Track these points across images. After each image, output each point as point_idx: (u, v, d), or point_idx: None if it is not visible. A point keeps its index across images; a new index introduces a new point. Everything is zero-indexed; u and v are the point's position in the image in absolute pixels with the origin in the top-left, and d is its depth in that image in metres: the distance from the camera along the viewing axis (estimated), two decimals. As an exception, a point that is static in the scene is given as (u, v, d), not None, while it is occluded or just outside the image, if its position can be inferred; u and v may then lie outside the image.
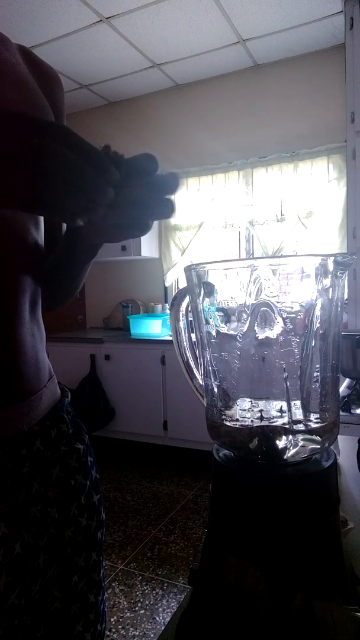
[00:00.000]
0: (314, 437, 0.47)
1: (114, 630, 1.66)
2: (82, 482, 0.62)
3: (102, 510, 0.66)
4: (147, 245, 3.44)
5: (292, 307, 0.45)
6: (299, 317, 0.45)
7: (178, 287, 3.64)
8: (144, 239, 3.39)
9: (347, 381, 1.58)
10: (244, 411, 0.49)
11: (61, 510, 0.58)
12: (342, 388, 1.56)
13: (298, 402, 0.47)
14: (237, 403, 0.50)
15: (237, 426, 0.48)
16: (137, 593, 1.86)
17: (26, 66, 0.61)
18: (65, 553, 0.58)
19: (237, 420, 0.49)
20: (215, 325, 0.49)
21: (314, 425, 0.47)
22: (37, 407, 0.58)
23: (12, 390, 0.54)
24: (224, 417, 0.50)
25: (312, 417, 0.47)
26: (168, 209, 0.43)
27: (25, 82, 0.58)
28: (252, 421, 0.48)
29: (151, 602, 1.80)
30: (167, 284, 3.59)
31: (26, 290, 0.56)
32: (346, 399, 1.47)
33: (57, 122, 0.63)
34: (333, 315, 0.47)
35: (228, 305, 0.48)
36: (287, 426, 0.46)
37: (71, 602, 0.58)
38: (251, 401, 0.49)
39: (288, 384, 0.46)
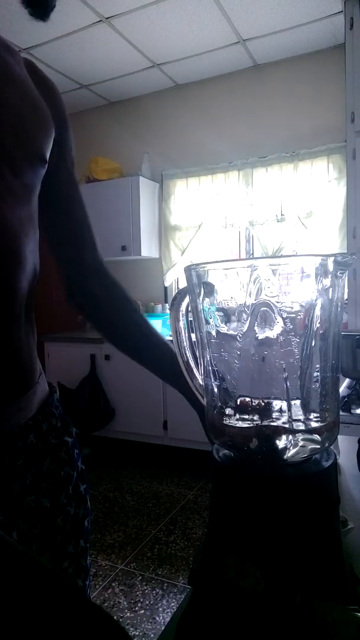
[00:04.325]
0: (314, 437, 0.47)
1: (114, 630, 1.66)
2: (69, 473, 0.65)
3: (88, 499, 0.69)
4: (147, 245, 3.44)
5: (292, 307, 0.45)
6: (299, 317, 0.45)
7: (178, 287, 3.64)
8: (144, 239, 3.39)
9: (347, 381, 1.58)
10: (244, 411, 0.49)
11: (52, 499, 0.61)
12: (342, 388, 1.56)
13: (298, 402, 0.47)
14: (237, 403, 0.49)
15: (237, 426, 0.48)
16: (137, 593, 1.86)
17: (30, 77, 0.64)
18: (55, 540, 0.61)
19: (237, 420, 0.49)
20: (215, 325, 0.49)
21: (314, 425, 0.47)
22: (32, 402, 0.61)
23: (12, 386, 0.57)
24: (224, 417, 0.50)
25: (312, 417, 0.47)
26: None
27: (32, 98, 0.61)
28: (252, 421, 0.48)
29: (151, 602, 1.80)
30: (167, 284, 3.59)
31: (24, 293, 0.58)
32: (346, 399, 1.47)
33: (64, 136, 0.69)
34: (333, 315, 0.47)
35: (228, 305, 0.48)
36: (287, 426, 0.46)
37: None
38: (251, 401, 0.49)
39: (288, 384, 0.46)
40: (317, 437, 0.47)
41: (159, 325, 3.23)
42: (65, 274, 0.75)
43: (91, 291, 0.74)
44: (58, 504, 0.62)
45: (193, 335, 0.56)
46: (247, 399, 0.48)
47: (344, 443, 0.98)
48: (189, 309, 0.56)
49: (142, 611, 1.76)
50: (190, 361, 0.60)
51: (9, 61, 0.59)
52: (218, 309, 0.48)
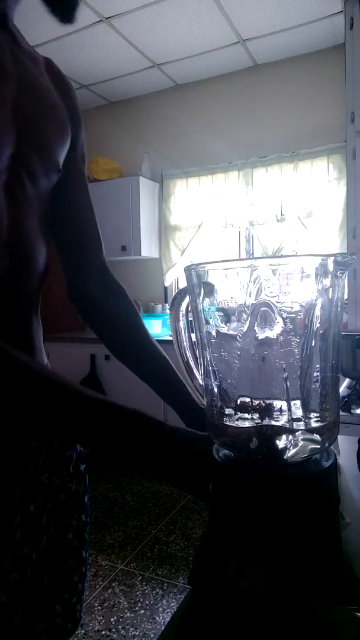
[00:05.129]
0: (314, 436, 0.47)
1: (114, 630, 1.66)
2: (70, 454, 0.72)
3: (87, 478, 0.76)
4: (147, 245, 3.44)
5: (292, 307, 0.45)
6: (299, 317, 0.45)
7: (178, 287, 3.64)
8: (144, 239, 3.39)
9: (347, 381, 1.58)
10: (244, 411, 0.49)
11: (59, 478, 0.69)
12: (342, 388, 1.56)
13: (298, 402, 0.47)
14: (237, 403, 0.49)
15: (237, 426, 0.48)
16: (137, 593, 1.86)
17: (50, 80, 0.68)
18: (60, 514, 0.68)
19: (237, 420, 0.49)
20: (215, 325, 0.49)
21: (314, 425, 0.47)
22: None
23: None
24: (224, 417, 0.50)
25: (312, 417, 0.47)
26: None
27: (54, 106, 0.66)
28: (252, 421, 0.48)
29: (151, 602, 1.80)
30: (167, 284, 3.59)
31: (35, 293, 0.64)
32: (346, 399, 1.47)
33: (77, 134, 0.74)
34: (333, 315, 0.47)
35: (228, 305, 0.48)
36: (287, 426, 0.46)
37: (68, 557, 0.69)
38: (251, 401, 0.49)
39: (288, 384, 0.46)
40: (317, 437, 0.47)
41: (159, 325, 3.22)
42: (68, 274, 0.77)
43: (91, 293, 0.76)
44: (61, 481, 0.69)
45: (193, 335, 0.56)
46: (247, 399, 0.48)
47: (344, 443, 0.98)
48: (189, 309, 0.56)
49: (142, 611, 1.76)
50: (190, 361, 0.60)
51: (33, 72, 0.63)
52: (218, 309, 0.48)
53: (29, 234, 0.60)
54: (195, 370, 0.60)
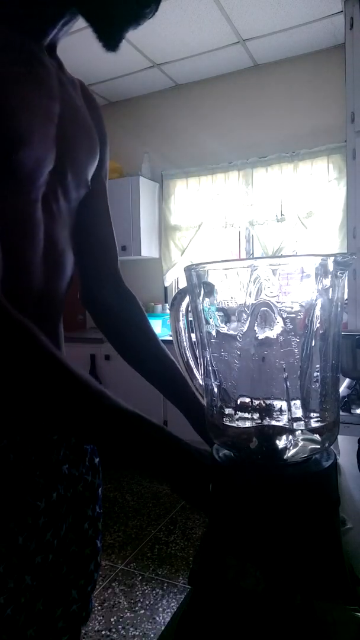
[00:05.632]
0: (314, 436, 0.47)
1: (114, 630, 1.66)
2: (86, 447, 0.75)
3: (100, 471, 0.79)
4: (147, 245, 3.44)
5: (292, 307, 0.45)
6: (299, 317, 0.45)
7: (178, 287, 3.64)
8: (144, 239, 3.39)
9: (347, 381, 1.58)
10: (244, 411, 0.49)
11: (77, 469, 0.72)
12: (342, 388, 1.56)
13: (298, 402, 0.47)
14: (237, 403, 0.49)
15: (237, 426, 0.48)
16: (137, 593, 1.86)
17: (83, 101, 0.74)
18: (77, 504, 0.71)
19: (237, 420, 0.49)
20: (215, 325, 0.49)
21: (314, 425, 0.47)
22: None
23: None
24: (224, 417, 0.50)
25: (312, 417, 0.47)
26: None
27: (88, 127, 0.71)
28: (252, 421, 0.48)
29: (151, 602, 1.80)
30: (167, 284, 3.59)
31: (64, 294, 0.69)
32: (346, 399, 1.47)
33: (103, 151, 0.78)
34: (333, 315, 0.47)
35: (228, 305, 0.48)
36: (287, 426, 0.46)
37: (85, 546, 0.72)
38: (251, 401, 0.49)
39: (288, 383, 0.46)
40: (317, 437, 0.47)
41: (159, 325, 3.22)
42: (83, 280, 0.81)
43: (104, 298, 0.81)
44: (78, 473, 0.72)
45: (193, 335, 0.56)
46: (247, 399, 0.48)
47: (344, 443, 0.98)
48: (189, 309, 0.56)
49: (142, 611, 1.76)
50: (190, 361, 0.60)
51: (73, 96, 0.69)
52: (218, 309, 0.48)
53: (61, 243, 0.66)
54: (195, 370, 0.60)
